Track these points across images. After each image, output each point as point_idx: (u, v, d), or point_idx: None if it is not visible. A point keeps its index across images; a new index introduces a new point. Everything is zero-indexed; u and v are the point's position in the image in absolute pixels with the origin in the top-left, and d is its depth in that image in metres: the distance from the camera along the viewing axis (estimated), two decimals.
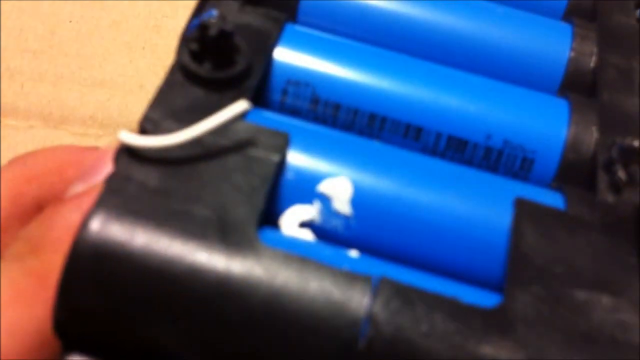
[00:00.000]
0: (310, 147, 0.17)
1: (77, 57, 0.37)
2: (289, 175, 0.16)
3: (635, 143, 0.17)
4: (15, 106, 0.36)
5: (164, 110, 0.16)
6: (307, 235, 0.16)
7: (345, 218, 0.16)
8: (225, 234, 0.15)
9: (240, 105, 0.16)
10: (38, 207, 0.19)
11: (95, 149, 0.20)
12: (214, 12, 0.18)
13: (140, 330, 0.14)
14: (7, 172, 0.19)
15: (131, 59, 0.37)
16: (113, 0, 0.39)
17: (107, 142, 0.19)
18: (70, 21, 0.38)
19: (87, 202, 0.16)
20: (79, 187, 0.18)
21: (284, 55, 0.19)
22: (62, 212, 0.17)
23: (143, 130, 0.16)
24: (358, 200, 0.16)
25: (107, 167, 0.18)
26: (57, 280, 0.15)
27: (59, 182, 0.19)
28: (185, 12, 0.20)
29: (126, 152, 0.16)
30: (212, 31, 0.17)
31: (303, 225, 0.16)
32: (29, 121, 0.35)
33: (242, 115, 0.16)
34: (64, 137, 0.35)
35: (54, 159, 0.20)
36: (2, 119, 0.35)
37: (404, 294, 0.15)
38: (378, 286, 0.15)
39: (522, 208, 0.16)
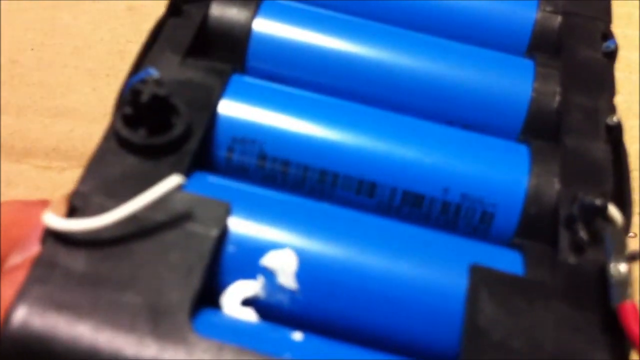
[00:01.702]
0: (253, 215, 0.16)
1: (39, 86, 0.36)
2: (230, 248, 0.15)
3: (597, 201, 0.16)
4: None
5: (96, 183, 0.15)
6: (250, 315, 0.15)
7: (291, 292, 0.15)
8: (156, 324, 0.14)
9: (173, 181, 0.15)
10: None
11: (42, 203, 0.19)
12: (152, 71, 0.17)
13: None
14: None
15: (95, 87, 0.36)
16: (75, 25, 0.37)
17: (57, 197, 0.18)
18: (32, 49, 0.37)
19: (21, 276, 0.16)
20: (16, 259, 0.17)
21: (229, 109, 0.18)
22: None
23: (72, 207, 0.15)
24: (304, 271, 0.15)
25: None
26: None
27: (2, 243, 0.18)
28: None
29: (52, 235, 0.15)
30: (145, 97, 0.16)
31: (246, 302, 0.15)
32: None
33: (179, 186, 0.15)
34: (27, 171, 0.34)
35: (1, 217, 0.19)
36: None
37: None
38: None
39: (478, 276, 0.15)
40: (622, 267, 0.15)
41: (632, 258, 0.15)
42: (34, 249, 0.17)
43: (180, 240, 0.15)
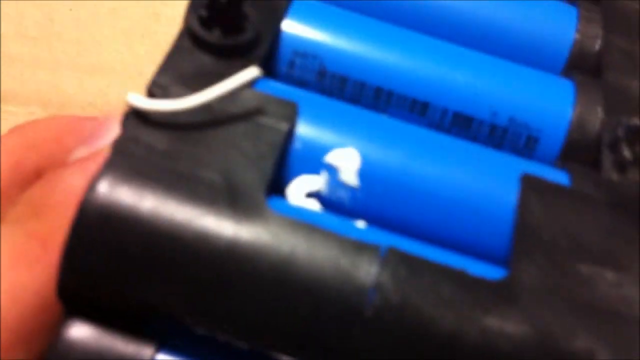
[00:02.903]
0: (318, 117, 0.17)
1: (75, 44, 0.37)
2: (296, 145, 0.16)
3: None
4: (14, 93, 0.36)
5: (172, 76, 0.16)
6: (314, 205, 0.16)
7: (352, 189, 0.16)
8: (233, 200, 0.15)
9: (251, 72, 0.16)
10: (38, 175, 0.19)
11: (94, 118, 0.20)
12: None
13: (145, 295, 0.14)
14: (7, 140, 0.19)
15: (130, 46, 0.37)
16: None
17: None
18: (71, 9, 0.38)
19: (91, 166, 0.16)
20: (81, 152, 0.18)
21: (292, 27, 0.19)
22: (64, 175, 0.17)
23: (151, 94, 0.16)
24: (365, 171, 0.16)
25: (109, 133, 0.18)
26: (62, 243, 0.14)
27: (58, 150, 0.19)
28: (184, 2, 0.20)
29: (134, 115, 0.15)
30: None
31: (310, 195, 0.16)
32: (29, 107, 0.35)
33: (251, 84, 0.16)
34: None
35: (54, 127, 0.20)
36: (2, 106, 0.35)
37: (412, 264, 0.14)
38: (386, 255, 0.14)
39: (529, 183, 0.16)
40: None
41: None
42: (100, 143, 0.18)
43: (252, 132, 0.16)
